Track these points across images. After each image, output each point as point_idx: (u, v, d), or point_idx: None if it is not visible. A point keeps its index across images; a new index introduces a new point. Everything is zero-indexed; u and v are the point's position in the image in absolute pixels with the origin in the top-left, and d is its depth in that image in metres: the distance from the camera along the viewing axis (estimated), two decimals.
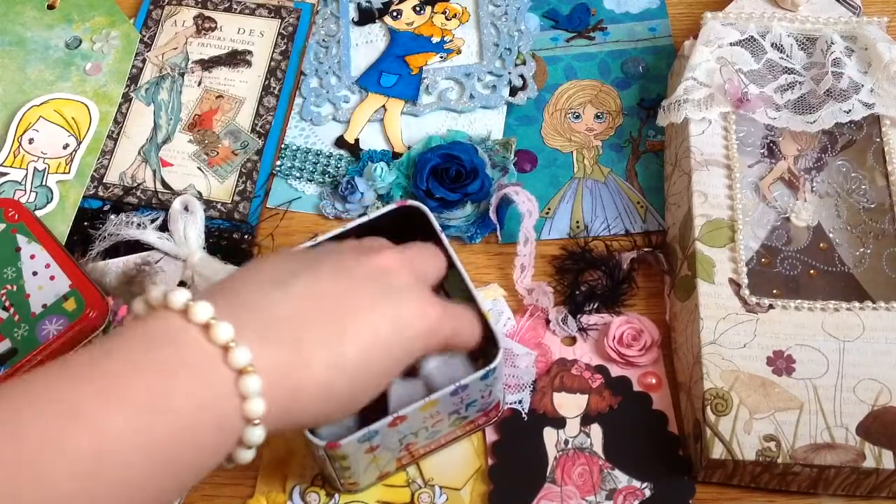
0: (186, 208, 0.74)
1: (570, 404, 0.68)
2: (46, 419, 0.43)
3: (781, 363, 0.63)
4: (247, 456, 0.50)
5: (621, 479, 0.65)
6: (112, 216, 0.75)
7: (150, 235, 0.74)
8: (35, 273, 0.70)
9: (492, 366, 0.58)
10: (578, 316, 0.70)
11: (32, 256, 0.70)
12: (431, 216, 0.63)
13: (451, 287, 0.66)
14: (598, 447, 0.66)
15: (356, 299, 0.53)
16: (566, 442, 0.66)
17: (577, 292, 0.71)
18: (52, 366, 0.46)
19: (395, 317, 0.53)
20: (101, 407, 0.44)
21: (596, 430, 0.67)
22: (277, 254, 0.57)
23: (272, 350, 0.49)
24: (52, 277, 0.70)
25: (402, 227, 0.63)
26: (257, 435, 0.48)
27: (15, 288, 0.69)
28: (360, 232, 0.63)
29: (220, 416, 0.47)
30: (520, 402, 0.67)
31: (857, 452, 0.60)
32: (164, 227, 0.75)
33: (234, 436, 0.48)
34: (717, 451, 0.61)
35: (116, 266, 0.73)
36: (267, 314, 0.50)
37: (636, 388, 0.68)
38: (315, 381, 0.50)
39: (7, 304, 0.69)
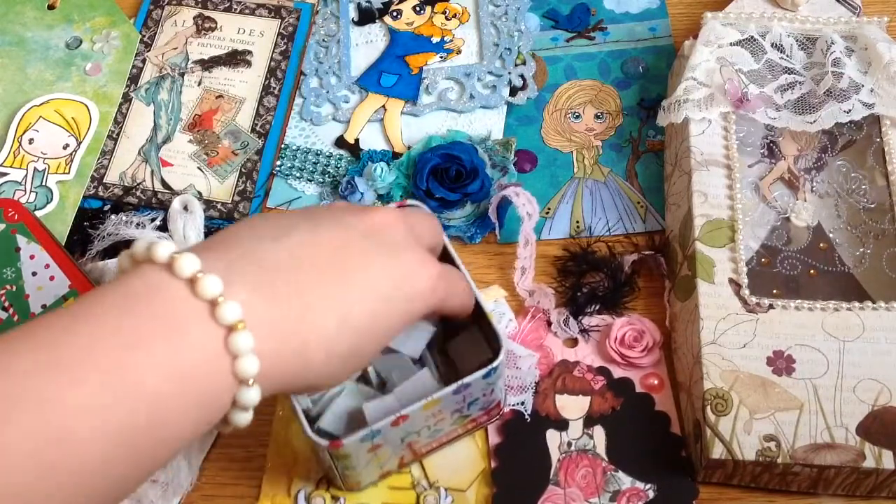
0: (186, 208, 0.74)
1: (572, 406, 0.67)
2: None
3: (781, 363, 0.63)
4: (244, 418, 0.47)
5: (624, 480, 0.65)
6: (112, 216, 0.75)
7: (150, 235, 0.74)
8: (34, 273, 0.70)
9: (494, 364, 0.58)
10: (580, 317, 0.70)
11: (32, 257, 0.71)
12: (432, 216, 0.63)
13: None
14: (601, 449, 0.66)
15: (357, 253, 0.51)
16: (569, 444, 0.66)
17: (579, 294, 0.71)
18: (20, 336, 0.43)
19: (397, 271, 0.52)
20: (55, 384, 0.41)
21: (599, 432, 0.66)
22: (272, 213, 0.54)
23: (267, 303, 0.46)
24: (51, 278, 0.70)
25: None
26: (252, 396, 0.46)
27: (14, 288, 0.69)
28: None
29: (207, 378, 0.45)
30: (522, 403, 0.67)
31: (857, 452, 0.60)
32: (163, 227, 0.75)
33: (224, 399, 0.46)
34: (717, 452, 0.61)
35: (115, 266, 0.73)
36: (262, 266, 0.48)
37: (638, 389, 0.68)
38: (319, 339, 0.48)
39: (6, 304, 0.69)
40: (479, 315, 0.62)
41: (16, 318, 0.68)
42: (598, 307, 0.71)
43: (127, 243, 0.74)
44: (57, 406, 0.40)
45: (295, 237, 0.50)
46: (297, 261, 0.49)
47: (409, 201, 0.64)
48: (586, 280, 0.72)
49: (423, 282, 0.53)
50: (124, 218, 0.75)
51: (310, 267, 0.49)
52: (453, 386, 0.58)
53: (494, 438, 0.67)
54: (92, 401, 0.41)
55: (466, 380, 0.58)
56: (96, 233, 0.74)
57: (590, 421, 0.67)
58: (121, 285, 0.46)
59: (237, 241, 0.49)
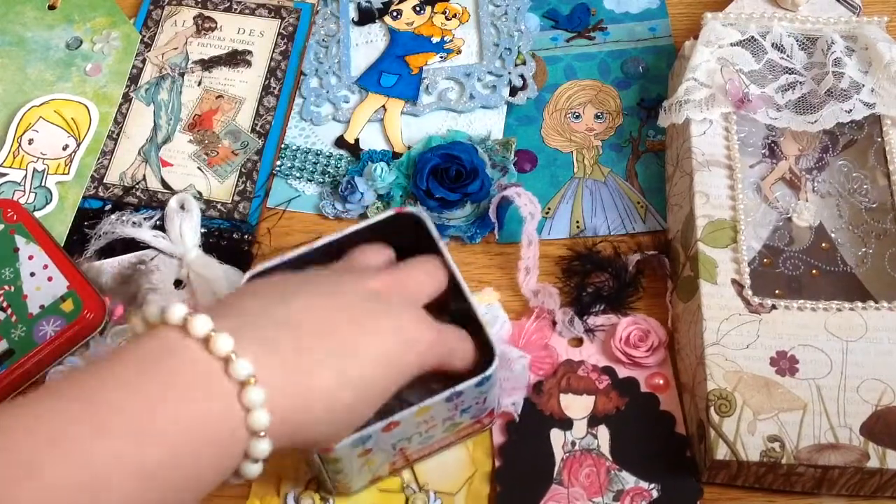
0: (183, 207, 0.74)
1: (576, 406, 0.67)
2: (29, 445, 0.42)
3: (785, 363, 0.63)
4: (254, 470, 0.49)
5: (628, 480, 0.65)
6: (111, 216, 0.75)
7: (146, 234, 0.74)
8: (33, 274, 0.70)
9: (487, 373, 0.58)
10: (585, 317, 0.70)
11: (31, 257, 0.70)
12: (430, 224, 0.63)
13: (450, 298, 0.66)
14: (605, 448, 0.66)
15: (357, 316, 0.53)
16: (573, 443, 0.66)
17: (584, 294, 0.71)
18: (44, 391, 0.46)
19: (396, 334, 0.54)
20: (86, 435, 0.43)
21: (603, 432, 0.66)
22: (274, 277, 0.57)
23: (275, 361, 0.49)
24: (49, 278, 0.70)
25: (400, 232, 0.63)
26: (263, 448, 0.48)
27: (13, 288, 0.69)
28: (358, 236, 0.62)
29: (222, 431, 0.47)
30: (514, 404, 0.67)
31: (861, 452, 0.60)
32: (161, 227, 0.75)
33: (238, 450, 0.48)
34: (721, 452, 0.61)
35: (112, 266, 0.73)
36: (269, 326, 0.50)
37: (643, 388, 0.68)
38: (323, 394, 0.50)
39: (5, 304, 0.69)
40: (471, 320, 0.61)
41: (14, 318, 0.68)
42: (602, 307, 0.71)
43: (124, 242, 0.74)
44: (91, 454, 0.43)
45: (299, 301, 0.52)
46: (301, 322, 0.51)
47: (408, 208, 0.63)
48: (591, 280, 0.72)
49: (420, 345, 0.55)
50: (121, 217, 0.75)
51: (313, 328, 0.51)
52: (445, 393, 0.57)
53: (498, 437, 0.67)
54: (125, 449, 0.43)
55: (459, 387, 0.58)
56: (92, 232, 0.74)
57: (594, 420, 0.67)
58: (138, 347, 0.48)
59: (244, 304, 0.52)
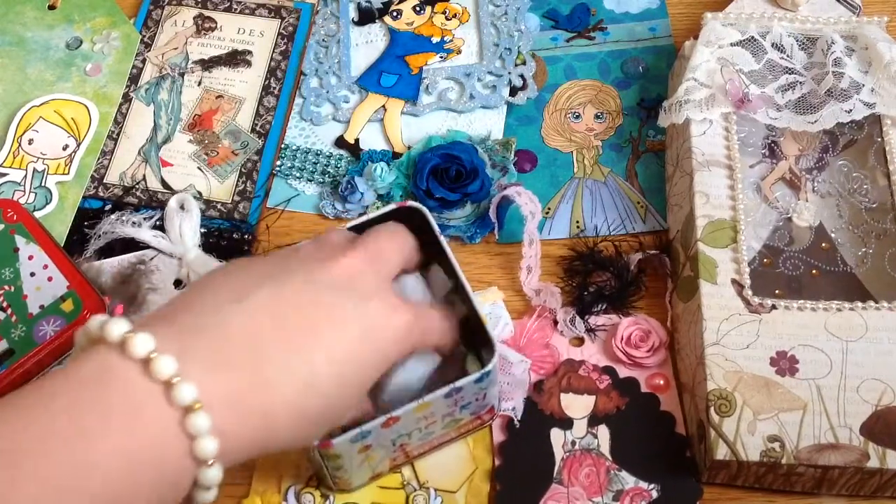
0: (183, 207, 0.74)
1: (577, 405, 0.67)
2: None
3: (785, 363, 0.63)
4: (208, 496, 0.47)
5: (628, 480, 0.65)
6: (110, 216, 0.75)
7: (146, 233, 0.74)
8: (33, 274, 0.70)
9: (486, 369, 0.58)
10: (586, 317, 0.70)
11: (31, 257, 0.70)
12: (431, 217, 0.63)
13: (450, 291, 0.66)
14: (605, 448, 0.66)
15: (324, 309, 0.50)
16: (573, 443, 0.66)
17: (586, 293, 0.71)
18: None
19: (366, 323, 0.51)
20: (4, 482, 0.40)
21: (603, 432, 0.66)
22: (237, 263, 0.53)
23: (225, 379, 0.46)
24: (49, 278, 0.69)
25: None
26: (213, 475, 0.45)
27: (13, 289, 0.69)
28: (359, 230, 0.63)
29: (165, 461, 0.44)
30: (513, 409, 0.67)
31: (861, 452, 0.60)
32: (160, 227, 0.75)
33: (184, 481, 0.45)
34: (722, 452, 0.60)
35: (111, 266, 0.73)
36: (220, 336, 0.47)
37: (644, 389, 0.68)
38: (286, 404, 0.47)
39: (4, 304, 0.69)
40: (471, 317, 0.61)
41: (14, 318, 0.68)
42: (604, 306, 0.71)
43: (123, 242, 0.74)
44: (6, 501, 0.39)
45: (258, 298, 0.49)
46: (258, 327, 0.48)
47: (410, 202, 0.63)
48: (593, 279, 0.72)
49: (394, 330, 0.52)
50: (121, 217, 0.75)
51: (272, 331, 0.48)
52: (445, 389, 0.57)
53: (498, 436, 0.67)
54: (46, 493, 0.40)
55: (458, 383, 0.58)
56: (92, 232, 0.74)
57: (594, 420, 0.67)
58: (73, 370, 0.45)
59: (196, 308, 0.48)
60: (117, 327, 0.45)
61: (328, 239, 0.56)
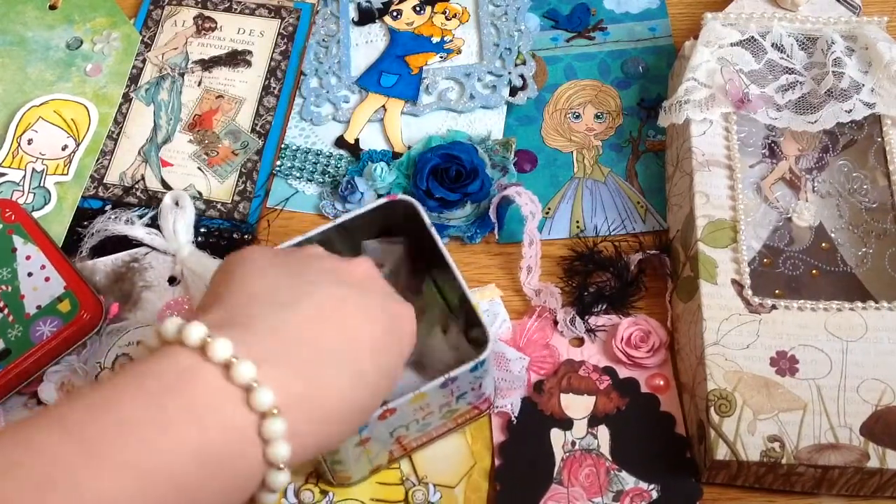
0: (177, 203, 0.74)
1: (577, 405, 0.67)
2: (23, 490, 0.39)
3: (785, 364, 0.63)
4: (271, 499, 0.47)
5: (628, 480, 0.65)
6: (104, 214, 0.75)
7: (139, 231, 0.74)
8: (30, 274, 0.70)
9: (480, 358, 0.58)
10: (586, 317, 0.70)
11: (28, 257, 0.70)
12: (421, 209, 0.63)
13: (445, 288, 0.66)
14: (605, 449, 0.66)
15: (356, 308, 0.52)
16: (573, 443, 0.66)
17: (586, 293, 0.71)
18: (45, 417, 0.43)
19: (390, 320, 0.53)
20: (84, 472, 0.40)
21: (603, 432, 0.66)
22: (259, 257, 0.54)
23: (296, 381, 0.47)
24: (47, 279, 0.69)
25: (392, 222, 0.64)
26: (282, 479, 0.46)
27: (10, 289, 0.69)
28: (352, 224, 0.63)
29: (238, 463, 0.45)
30: (511, 405, 0.67)
31: (861, 452, 0.60)
32: (155, 224, 0.75)
33: (253, 482, 0.46)
34: (722, 452, 0.60)
35: (105, 264, 0.73)
36: (286, 340, 0.48)
37: (644, 389, 0.68)
38: (342, 399, 0.49)
39: (1, 304, 0.69)
40: (466, 312, 0.62)
41: (10, 318, 0.68)
42: (604, 306, 0.71)
43: (114, 240, 0.73)
44: (88, 491, 0.40)
45: (310, 302, 0.50)
46: (313, 329, 0.49)
47: (401, 196, 0.64)
48: (593, 279, 0.72)
49: (410, 324, 0.55)
50: (113, 214, 0.75)
51: (322, 330, 0.49)
52: (440, 379, 0.58)
53: (498, 436, 0.67)
54: (122, 485, 0.41)
55: (453, 373, 0.58)
56: (85, 231, 0.74)
57: (594, 420, 0.67)
58: (151, 368, 0.45)
59: (253, 309, 0.49)
60: (196, 331, 0.45)
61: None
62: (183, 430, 0.43)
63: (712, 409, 0.62)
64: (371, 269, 0.56)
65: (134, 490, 0.41)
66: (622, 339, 0.69)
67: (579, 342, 0.70)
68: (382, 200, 0.64)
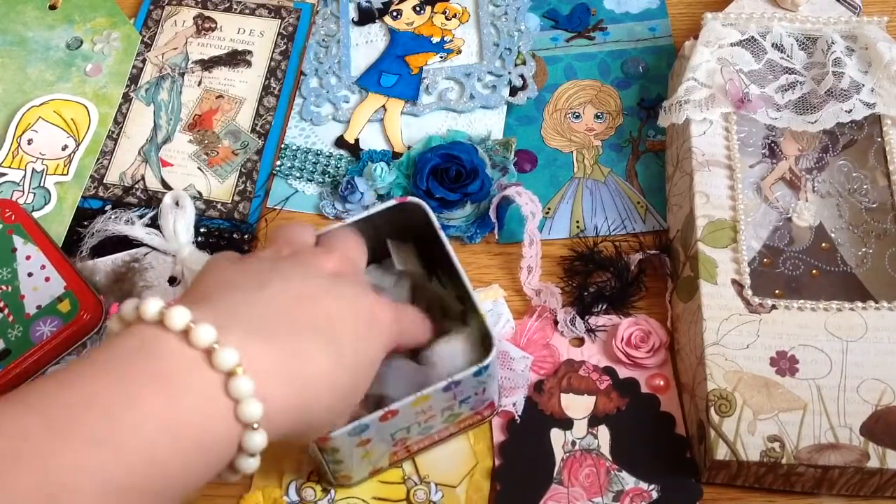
0: (177, 203, 0.74)
1: (577, 405, 0.67)
2: None
3: (785, 363, 0.63)
4: (251, 464, 0.47)
5: (628, 480, 0.65)
6: (104, 214, 0.75)
7: (139, 231, 0.74)
8: (30, 274, 0.70)
9: (485, 363, 0.58)
10: (587, 317, 0.70)
11: (28, 257, 0.70)
12: (431, 213, 0.63)
13: (450, 288, 0.66)
14: (605, 449, 0.66)
15: (331, 298, 0.52)
16: (573, 443, 0.66)
17: (586, 293, 0.71)
18: (14, 396, 0.43)
19: (366, 311, 0.53)
20: (52, 445, 0.41)
21: (603, 432, 0.66)
22: (221, 261, 0.54)
23: (264, 347, 0.47)
24: (47, 279, 0.70)
25: (401, 224, 0.63)
26: (257, 440, 0.46)
27: (10, 289, 0.69)
28: (360, 226, 0.63)
29: (208, 426, 0.45)
30: (514, 404, 0.67)
31: (861, 452, 0.60)
32: (155, 224, 0.75)
33: (229, 445, 0.46)
34: (722, 453, 0.60)
35: (105, 264, 0.73)
36: (252, 312, 0.49)
37: (644, 389, 0.68)
38: (321, 374, 0.49)
39: (1, 304, 0.69)
40: (471, 315, 0.61)
41: (10, 318, 0.68)
42: (605, 307, 0.71)
43: (115, 240, 0.73)
44: (54, 465, 0.40)
45: (273, 287, 0.51)
46: (282, 307, 0.50)
47: (410, 198, 0.63)
48: (593, 279, 0.72)
49: (385, 316, 0.55)
50: (113, 214, 0.75)
51: (296, 312, 0.50)
52: (443, 382, 0.57)
53: (498, 436, 0.67)
54: (88, 460, 0.41)
55: (457, 377, 0.58)
56: (84, 231, 0.74)
57: (594, 420, 0.67)
58: (114, 346, 0.46)
59: (219, 293, 0.50)
60: (153, 305, 0.46)
61: (298, 236, 0.58)
62: (149, 400, 0.43)
63: (712, 409, 0.62)
64: (342, 263, 0.56)
65: (103, 464, 0.41)
66: (622, 339, 0.69)
67: (579, 342, 0.70)
68: (392, 202, 0.64)
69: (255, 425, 0.46)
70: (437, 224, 0.63)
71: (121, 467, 0.42)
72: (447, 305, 0.65)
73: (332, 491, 0.66)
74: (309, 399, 0.49)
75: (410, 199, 0.63)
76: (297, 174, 0.79)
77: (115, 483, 0.42)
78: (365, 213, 0.63)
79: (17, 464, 0.40)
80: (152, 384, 0.44)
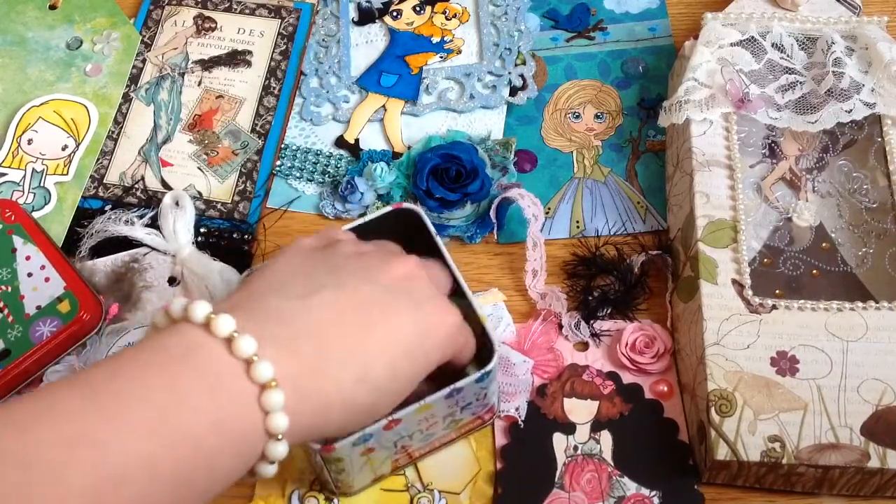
0: (177, 203, 0.74)
1: (580, 410, 0.67)
2: (51, 445, 0.42)
3: (785, 364, 0.63)
4: (270, 470, 0.50)
5: (630, 486, 0.65)
6: (103, 214, 0.75)
7: (138, 231, 0.74)
8: (30, 274, 0.70)
9: (487, 369, 0.58)
10: (591, 321, 0.70)
11: (28, 258, 0.70)
12: (427, 219, 0.63)
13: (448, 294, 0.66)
14: (607, 454, 0.66)
15: (381, 309, 0.53)
16: (575, 448, 0.66)
17: (590, 297, 0.71)
18: (65, 383, 0.46)
19: (420, 324, 0.54)
20: (108, 432, 0.43)
21: (606, 437, 0.66)
22: (296, 254, 0.56)
23: (295, 364, 0.49)
24: (46, 279, 0.69)
25: (398, 230, 0.63)
26: (280, 450, 0.48)
27: (10, 289, 0.69)
28: (356, 232, 0.63)
29: (241, 432, 0.47)
30: (517, 409, 0.67)
31: (862, 452, 0.60)
32: (154, 224, 0.75)
33: (255, 451, 0.48)
34: (722, 453, 0.60)
35: (105, 265, 0.73)
36: (290, 327, 0.50)
37: (647, 395, 0.68)
38: (340, 392, 0.50)
39: (1, 304, 0.69)
40: (470, 320, 0.61)
41: (10, 318, 0.68)
42: (609, 310, 0.71)
43: (114, 241, 0.73)
44: (113, 449, 0.43)
45: (322, 296, 0.52)
46: (321, 320, 0.51)
47: (406, 204, 0.64)
48: (597, 283, 0.72)
49: (444, 331, 0.55)
50: (114, 215, 0.74)
51: (332, 326, 0.51)
52: (446, 390, 0.57)
53: (501, 440, 0.67)
54: (145, 447, 0.44)
55: (459, 384, 0.58)
56: (84, 231, 0.74)
57: (597, 425, 0.67)
58: (159, 343, 0.48)
59: (264, 299, 0.52)
60: (201, 308, 0.48)
61: (388, 245, 0.60)
62: (195, 396, 0.46)
63: (713, 409, 0.62)
64: (413, 269, 0.56)
65: (152, 454, 0.44)
66: (627, 344, 0.69)
67: (584, 346, 0.70)
68: (387, 209, 0.64)
69: (280, 436, 0.48)
70: (433, 230, 0.63)
71: (174, 457, 0.44)
72: None
73: (336, 500, 0.65)
74: (323, 416, 0.51)
75: (406, 204, 0.64)
76: (297, 174, 0.79)
77: (170, 471, 0.44)
78: (360, 220, 0.64)
79: (80, 450, 0.42)
80: (197, 385, 0.46)
